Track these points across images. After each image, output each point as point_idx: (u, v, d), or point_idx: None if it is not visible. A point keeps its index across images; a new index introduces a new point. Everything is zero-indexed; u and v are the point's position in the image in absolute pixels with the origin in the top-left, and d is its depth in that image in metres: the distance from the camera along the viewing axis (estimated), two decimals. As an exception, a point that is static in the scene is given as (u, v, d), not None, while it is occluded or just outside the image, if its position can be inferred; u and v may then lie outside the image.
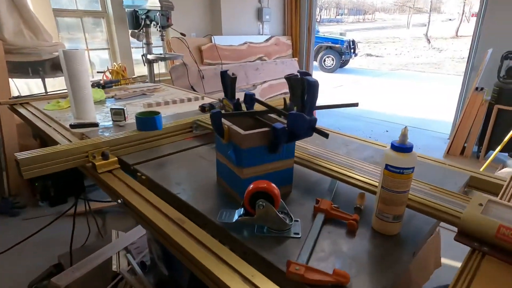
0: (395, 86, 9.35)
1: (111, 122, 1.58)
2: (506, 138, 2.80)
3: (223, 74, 1.09)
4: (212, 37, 4.81)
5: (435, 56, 13.96)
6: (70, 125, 1.44)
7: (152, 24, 3.32)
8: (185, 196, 0.98)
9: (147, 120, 1.27)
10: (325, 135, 0.81)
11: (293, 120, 0.84)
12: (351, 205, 0.95)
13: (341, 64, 11.72)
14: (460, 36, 17.17)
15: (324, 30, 13.75)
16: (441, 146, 4.40)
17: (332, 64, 11.47)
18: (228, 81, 1.09)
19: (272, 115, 1.01)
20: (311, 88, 0.79)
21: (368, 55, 15.09)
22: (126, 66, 3.86)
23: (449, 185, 1.04)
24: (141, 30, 3.41)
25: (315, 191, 1.03)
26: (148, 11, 3.15)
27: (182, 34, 4.07)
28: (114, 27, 3.76)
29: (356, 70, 12.06)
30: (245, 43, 5.34)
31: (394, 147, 0.76)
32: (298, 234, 0.81)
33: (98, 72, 3.66)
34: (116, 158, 1.16)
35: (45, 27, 3.01)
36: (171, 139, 1.40)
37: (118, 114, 1.57)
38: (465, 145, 3.95)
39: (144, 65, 3.66)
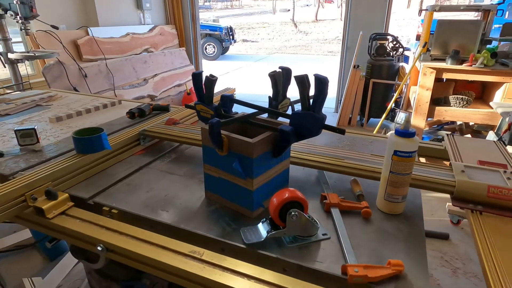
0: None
1: (17, 148, 1.22)
2: (388, 108, 3.36)
3: (197, 76, 0.95)
4: (88, 29, 4.19)
5: (303, 39, 15.51)
6: (-35, 162, 1.05)
7: (7, 14, 2.64)
8: (184, 223, 0.85)
9: (93, 140, 1.02)
10: (341, 131, 0.81)
11: (302, 120, 0.81)
12: (347, 191, 0.99)
13: (222, 51, 11.87)
14: (319, 20, 19.49)
15: (198, 17, 13.61)
16: (330, 120, 4.97)
17: (214, 51, 11.51)
18: (204, 84, 0.96)
19: (262, 116, 0.94)
20: (322, 84, 0.76)
21: (244, 40, 15.66)
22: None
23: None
24: (-9, 22, 2.69)
25: (308, 186, 1.03)
26: (-1, -3, 2.49)
27: (53, 26, 3.40)
28: None
29: (237, 56, 12.41)
30: (127, 34, 4.85)
31: (400, 133, 0.82)
32: (326, 234, 0.80)
33: None
34: (67, 195, 0.91)
35: None
36: (118, 157, 1.17)
37: (28, 136, 1.22)
38: (351, 116, 4.58)
39: (4, 67, 2.93)
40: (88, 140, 1.02)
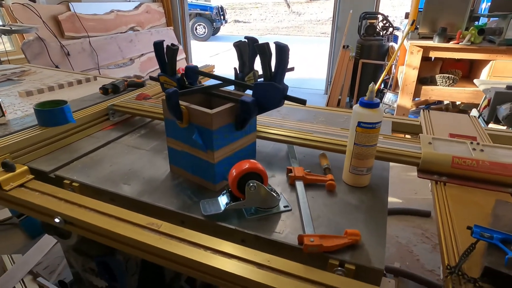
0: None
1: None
2: (375, 88, 3.32)
3: (158, 46, 0.91)
4: (70, 4, 4.04)
5: (296, 20, 15.24)
6: None
7: None
8: (145, 197, 0.83)
9: (55, 113, 0.99)
10: (302, 102, 0.79)
11: (264, 91, 0.78)
12: (316, 166, 0.98)
13: (213, 31, 11.62)
14: (313, 1, 19.09)
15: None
16: (320, 101, 4.95)
17: (205, 32, 11.26)
18: (166, 54, 0.92)
19: (226, 88, 0.92)
20: (282, 53, 0.74)
21: (236, 21, 15.35)
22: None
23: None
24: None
25: (277, 161, 1.01)
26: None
27: (31, -1, 3.27)
28: None
29: (228, 37, 12.17)
30: (111, 11, 4.70)
31: (364, 104, 0.80)
32: (288, 206, 0.79)
33: None
34: (27, 167, 0.88)
35: None
36: (86, 132, 1.14)
37: (-8, 110, 1.18)
38: (340, 97, 4.55)
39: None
40: (50, 113, 0.99)
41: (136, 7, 5.12)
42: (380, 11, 4.40)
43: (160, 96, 1.47)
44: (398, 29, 4.37)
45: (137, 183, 0.89)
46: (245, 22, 15.29)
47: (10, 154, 0.90)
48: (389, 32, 4.19)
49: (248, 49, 0.92)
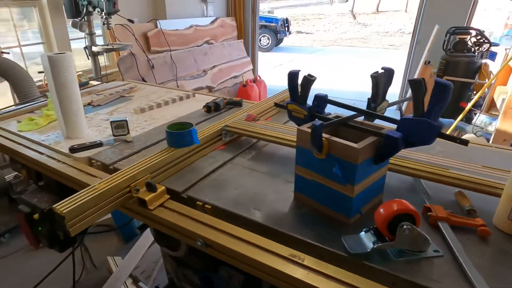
0: (331, 61, 9.75)
1: (111, 138, 1.29)
2: (467, 108, 3.06)
3: (293, 76, 0.92)
4: (157, 22, 4.37)
5: (361, 31, 14.84)
6: (71, 149, 1.14)
7: (95, 11, 2.89)
8: (276, 224, 0.83)
9: (185, 135, 1.05)
10: (463, 142, 0.73)
11: (413, 127, 0.74)
12: (450, 204, 0.90)
13: (277, 42, 11.79)
14: (380, 12, 18.49)
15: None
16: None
17: (268, 43, 11.47)
18: (300, 84, 0.93)
19: (359, 119, 0.89)
20: (445, 91, 0.69)
21: (298, 32, 15.41)
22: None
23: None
24: (83, 19, 2.95)
25: (402, 195, 0.95)
26: (91, -4, 2.73)
27: (130, 20, 3.62)
28: (50, 17, 3.15)
29: (291, 48, 12.25)
30: (191, 26, 4.99)
31: (532, 145, 0.71)
32: (438, 251, 0.73)
33: (39, 72, 3.04)
34: (164, 188, 0.94)
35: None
36: (202, 152, 1.19)
37: (120, 127, 1.29)
38: (417, 114, 4.27)
39: (88, 59, 3.20)
40: (181, 135, 1.05)
41: (212, 22, 5.38)
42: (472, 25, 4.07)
43: (261, 116, 1.49)
44: (496, 45, 3.99)
45: (264, 208, 0.90)
46: (307, 33, 15.28)
47: (150, 175, 0.96)
48: (484, 48, 3.83)
49: (384, 79, 0.88)
